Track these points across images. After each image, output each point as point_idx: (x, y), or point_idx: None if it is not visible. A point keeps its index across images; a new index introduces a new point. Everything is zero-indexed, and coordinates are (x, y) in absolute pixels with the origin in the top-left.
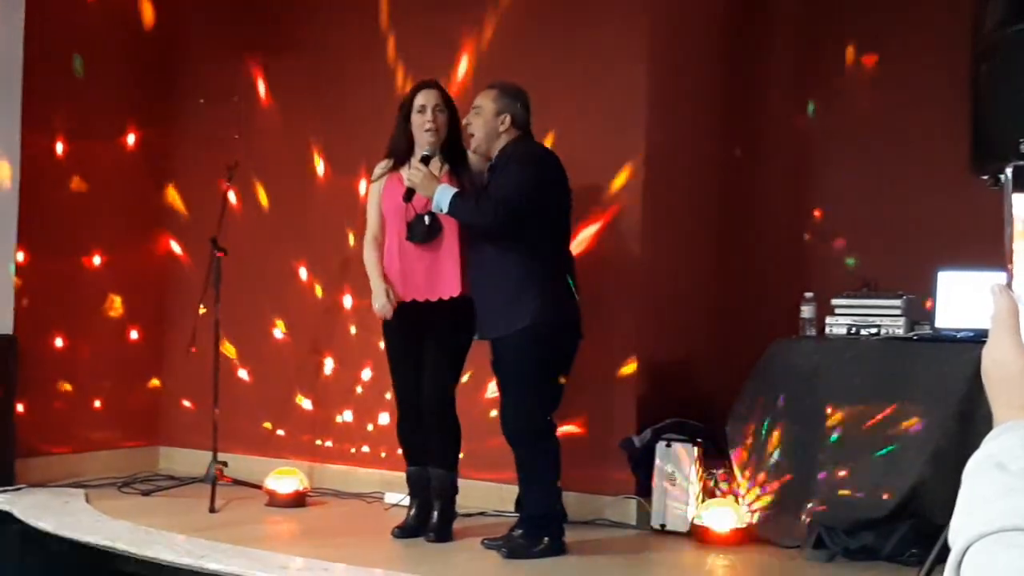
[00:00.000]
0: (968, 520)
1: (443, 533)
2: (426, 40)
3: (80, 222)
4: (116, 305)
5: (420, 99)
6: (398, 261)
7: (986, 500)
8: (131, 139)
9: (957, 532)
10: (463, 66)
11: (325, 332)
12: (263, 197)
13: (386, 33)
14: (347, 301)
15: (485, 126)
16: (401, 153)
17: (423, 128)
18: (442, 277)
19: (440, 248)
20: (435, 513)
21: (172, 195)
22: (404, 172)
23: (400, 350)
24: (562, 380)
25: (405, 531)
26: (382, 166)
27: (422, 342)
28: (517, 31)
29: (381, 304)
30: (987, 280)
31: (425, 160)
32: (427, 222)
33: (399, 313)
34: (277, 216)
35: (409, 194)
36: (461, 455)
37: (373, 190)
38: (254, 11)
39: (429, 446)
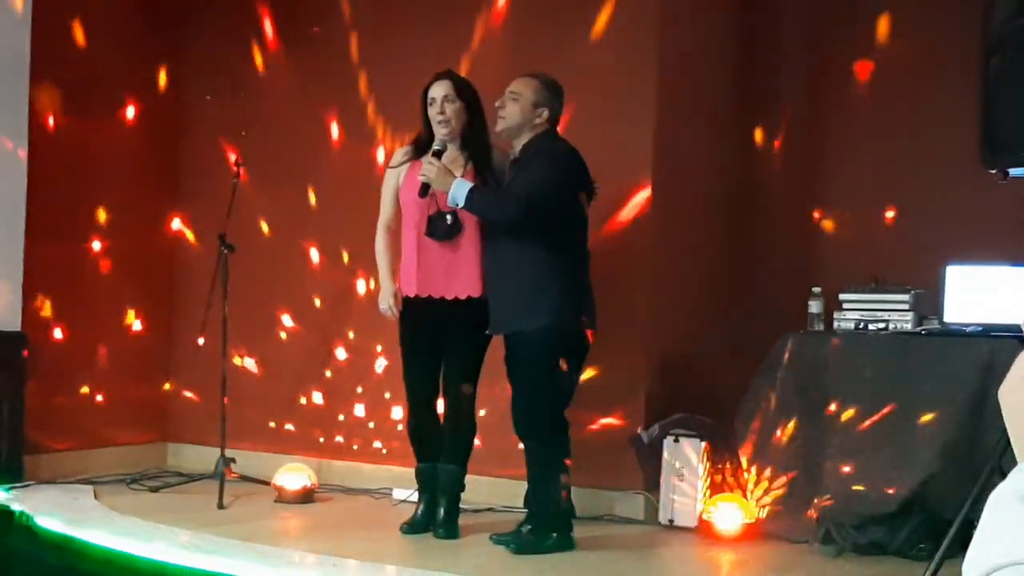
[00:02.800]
0: (983, 551)
1: (452, 529)
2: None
3: (89, 219)
4: (124, 301)
5: (431, 92)
6: (416, 255)
7: (1004, 532)
8: (138, 135)
9: (971, 563)
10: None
11: (335, 328)
12: (271, 192)
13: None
14: (359, 289)
15: (521, 115)
16: (423, 142)
17: (435, 121)
18: (462, 276)
19: (461, 246)
20: (441, 509)
21: (181, 191)
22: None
23: (415, 346)
24: (577, 375)
25: (414, 527)
26: (402, 152)
27: (439, 339)
28: (522, 29)
29: (388, 306)
30: (996, 274)
31: (437, 154)
32: (448, 220)
33: (416, 308)
34: (287, 210)
35: (425, 189)
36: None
37: (390, 176)
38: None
39: (443, 442)
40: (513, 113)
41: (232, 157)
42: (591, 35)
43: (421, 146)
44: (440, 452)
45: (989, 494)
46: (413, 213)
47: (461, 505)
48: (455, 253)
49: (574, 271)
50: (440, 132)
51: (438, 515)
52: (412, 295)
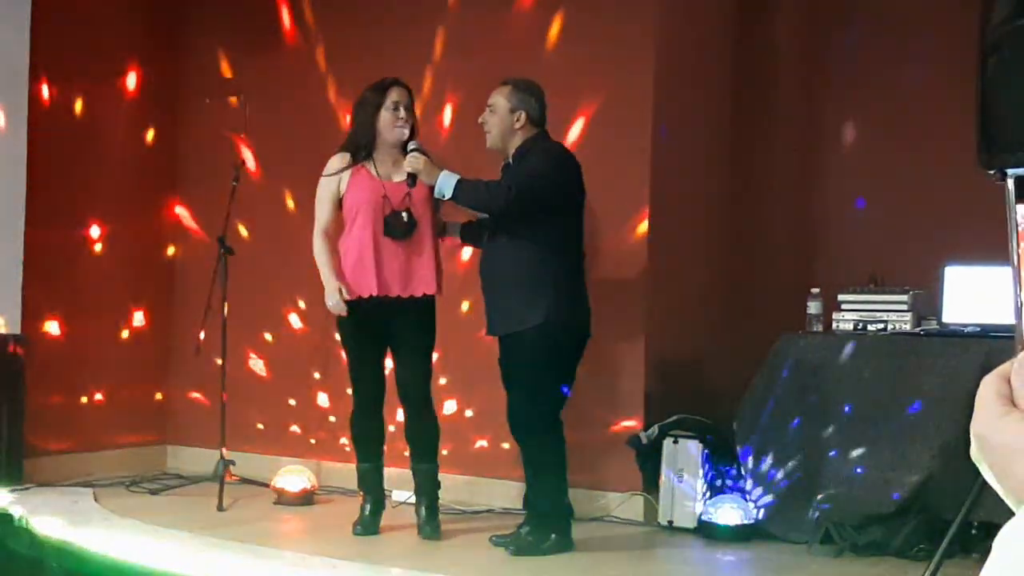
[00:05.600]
0: None
1: (438, 528)
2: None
3: (88, 221)
4: (124, 304)
5: (394, 96)
6: (372, 255)
7: None
8: (137, 138)
9: None
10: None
11: (334, 329)
12: (276, 195)
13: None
14: None
15: (500, 123)
16: (366, 146)
17: (394, 125)
18: (418, 273)
19: (415, 244)
20: (424, 509)
21: (180, 194)
22: (369, 167)
23: (369, 347)
24: (570, 378)
25: (366, 527)
26: (339, 159)
27: (389, 339)
28: (523, 30)
29: (335, 302)
30: (994, 275)
31: (417, 151)
32: (405, 218)
33: (369, 309)
34: (287, 213)
35: (413, 179)
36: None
37: (328, 183)
38: (258, 10)
39: (414, 443)
40: (493, 124)
41: (232, 158)
42: (588, 41)
43: (364, 148)
44: (382, 452)
45: (987, 495)
46: (368, 215)
47: (461, 508)
48: (409, 251)
49: (569, 272)
50: (397, 137)
51: (422, 515)
52: (367, 295)
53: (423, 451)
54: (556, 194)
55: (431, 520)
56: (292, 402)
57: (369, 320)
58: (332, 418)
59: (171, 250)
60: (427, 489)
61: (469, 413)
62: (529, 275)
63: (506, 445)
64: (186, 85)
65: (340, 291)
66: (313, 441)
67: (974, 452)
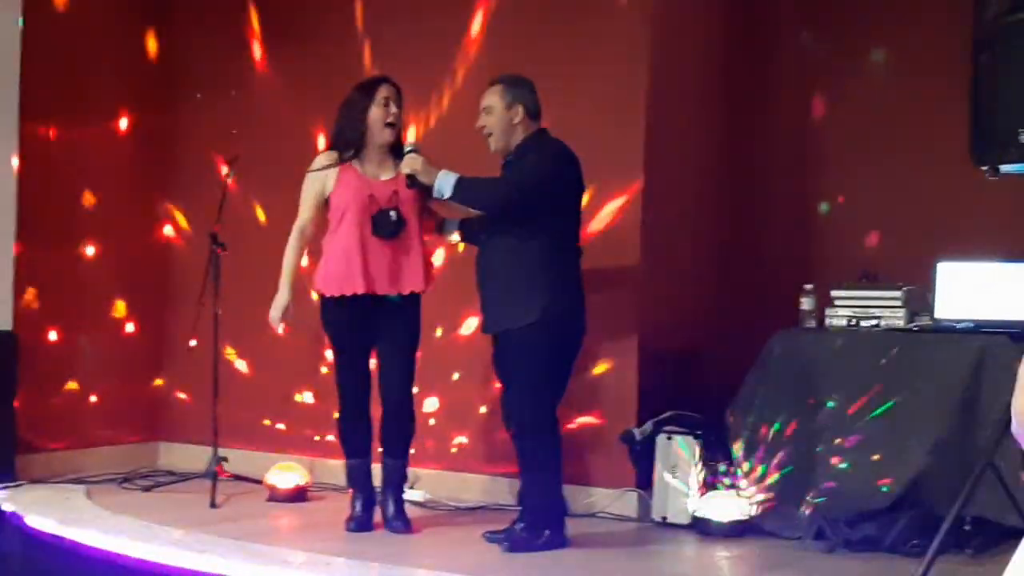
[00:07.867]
0: None
1: (408, 521)
2: (422, 35)
3: (79, 216)
4: (116, 300)
5: (384, 92)
6: (359, 254)
7: None
8: (130, 134)
9: None
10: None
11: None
12: (261, 194)
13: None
14: None
15: (500, 122)
16: (356, 144)
17: (384, 121)
18: (407, 271)
19: (403, 242)
20: (392, 502)
21: (171, 189)
22: (356, 166)
23: (357, 345)
24: (566, 375)
25: (360, 524)
26: (326, 156)
27: (374, 337)
28: (514, 27)
29: (278, 317)
30: (986, 271)
31: (414, 151)
32: (393, 217)
33: (355, 307)
34: (277, 209)
35: (412, 179)
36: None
37: (314, 180)
38: (255, 1)
39: (388, 438)
40: (492, 124)
41: (223, 155)
42: (581, 37)
43: (355, 146)
44: (370, 448)
45: (980, 490)
46: (355, 214)
47: (454, 504)
48: (398, 249)
49: (566, 269)
50: (386, 135)
51: (389, 509)
52: (350, 293)
53: (397, 448)
54: (555, 192)
55: (400, 514)
56: (285, 398)
57: (356, 318)
58: (324, 414)
59: (163, 247)
60: (396, 484)
61: (473, 408)
62: (527, 273)
63: (499, 440)
64: (181, 85)
65: (288, 308)
66: (313, 438)
67: (1014, 427)
